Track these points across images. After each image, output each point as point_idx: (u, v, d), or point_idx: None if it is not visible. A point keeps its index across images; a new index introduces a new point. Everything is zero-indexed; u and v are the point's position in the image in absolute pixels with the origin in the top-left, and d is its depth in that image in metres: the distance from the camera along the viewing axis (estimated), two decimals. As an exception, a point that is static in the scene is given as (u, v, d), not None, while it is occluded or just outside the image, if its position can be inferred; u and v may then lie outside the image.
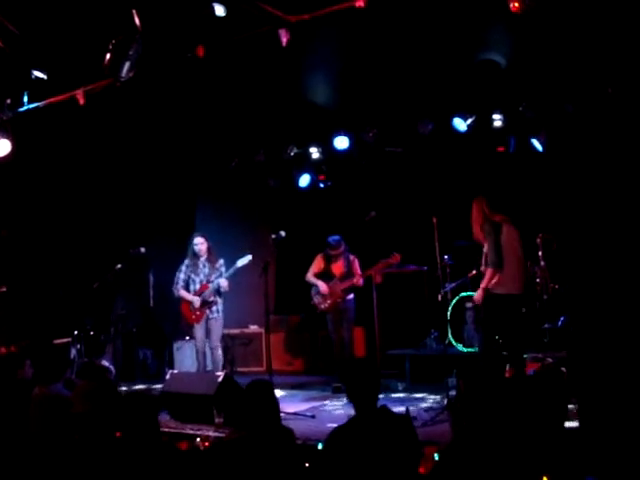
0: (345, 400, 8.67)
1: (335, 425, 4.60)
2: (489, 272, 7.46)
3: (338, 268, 9.75)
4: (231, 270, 9.31)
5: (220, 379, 7.70)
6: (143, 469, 3.65)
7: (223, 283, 9.33)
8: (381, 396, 4.66)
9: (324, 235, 9.99)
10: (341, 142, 10.50)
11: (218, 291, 9.39)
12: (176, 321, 10.79)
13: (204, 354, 9.39)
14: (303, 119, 10.25)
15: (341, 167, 11.08)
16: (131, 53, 6.46)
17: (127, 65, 6.55)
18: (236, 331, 11.46)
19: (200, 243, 9.42)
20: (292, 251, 11.12)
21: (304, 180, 11.35)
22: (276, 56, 7.60)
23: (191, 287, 9.49)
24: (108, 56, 6.56)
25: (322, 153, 11.01)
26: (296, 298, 11.33)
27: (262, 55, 7.84)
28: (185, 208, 12.71)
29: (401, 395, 8.99)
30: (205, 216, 12.61)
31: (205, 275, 9.43)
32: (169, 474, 3.79)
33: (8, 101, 8.56)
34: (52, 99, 8.55)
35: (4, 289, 10.09)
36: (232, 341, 11.30)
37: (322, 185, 11.40)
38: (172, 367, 11.00)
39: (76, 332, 10.70)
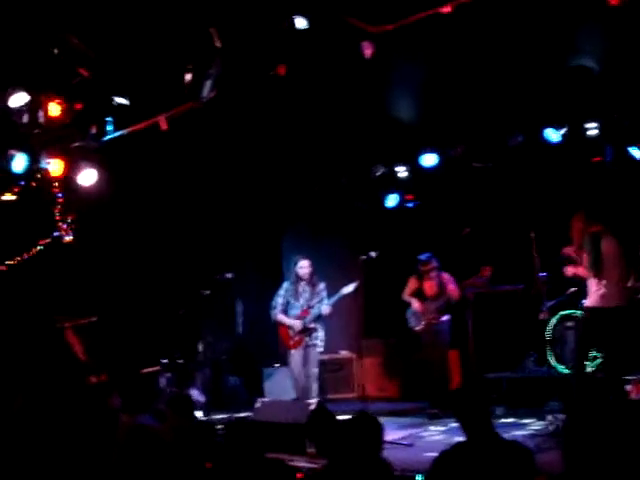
0: (443, 427, 8.35)
1: (434, 454, 4.28)
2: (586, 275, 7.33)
3: (430, 288, 9.51)
4: (335, 297, 9.08)
5: (312, 407, 7.49)
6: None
7: (325, 310, 9.08)
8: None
9: (415, 255, 9.73)
10: (428, 159, 10.33)
11: (319, 317, 9.17)
12: (265, 348, 10.63)
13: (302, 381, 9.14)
14: (388, 138, 10.08)
15: (429, 185, 10.83)
16: (211, 72, 6.38)
17: (208, 85, 6.47)
18: (326, 357, 11.20)
19: (305, 267, 9.19)
20: (382, 273, 10.86)
21: (392, 200, 11.18)
22: (359, 71, 7.46)
23: (290, 312, 9.24)
24: (189, 76, 6.49)
25: (409, 171, 10.82)
26: (386, 321, 11.10)
27: (344, 71, 7.70)
28: (272, 234, 12.61)
29: (499, 421, 8.54)
30: (292, 241, 12.48)
31: (306, 300, 9.19)
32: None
33: (93, 130, 8.59)
34: (135, 126, 8.56)
35: (94, 319, 10.09)
36: (322, 367, 11.06)
37: (410, 204, 11.19)
38: (262, 395, 10.82)
39: (165, 361, 10.67)
